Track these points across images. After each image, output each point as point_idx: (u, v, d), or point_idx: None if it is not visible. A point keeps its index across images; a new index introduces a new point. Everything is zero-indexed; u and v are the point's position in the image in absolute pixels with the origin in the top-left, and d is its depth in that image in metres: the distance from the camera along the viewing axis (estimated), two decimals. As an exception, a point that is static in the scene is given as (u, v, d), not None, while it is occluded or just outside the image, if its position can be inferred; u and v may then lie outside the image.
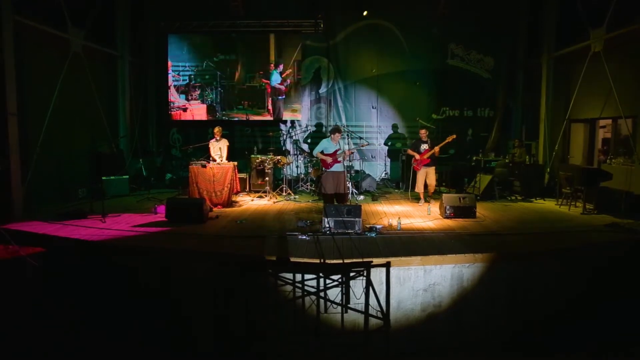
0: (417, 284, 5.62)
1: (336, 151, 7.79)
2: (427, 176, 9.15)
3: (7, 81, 7.46)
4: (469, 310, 5.70)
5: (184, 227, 7.04)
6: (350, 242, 6.19)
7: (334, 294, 5.57)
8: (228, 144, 9.55)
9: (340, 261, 5.43)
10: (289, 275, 5.58)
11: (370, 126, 13.14)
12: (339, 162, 7.81)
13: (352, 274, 5.51)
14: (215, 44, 12.97)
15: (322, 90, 13.17)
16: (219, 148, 9.37)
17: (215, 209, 8.54)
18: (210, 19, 12.56)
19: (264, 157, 10.50)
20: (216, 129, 9.50)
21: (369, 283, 5.48)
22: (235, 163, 9.24)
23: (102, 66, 11.23)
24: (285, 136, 13.07)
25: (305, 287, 5.57)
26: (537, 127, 11.99)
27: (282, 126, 13.22)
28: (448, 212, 7.82)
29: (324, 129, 12.98)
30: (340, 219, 6.66)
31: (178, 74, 12.98)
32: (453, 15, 12.14)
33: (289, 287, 5.58)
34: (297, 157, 11.92)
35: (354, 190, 10.27)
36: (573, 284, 5.88)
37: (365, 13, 12.30)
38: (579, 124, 10.94)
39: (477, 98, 13.02)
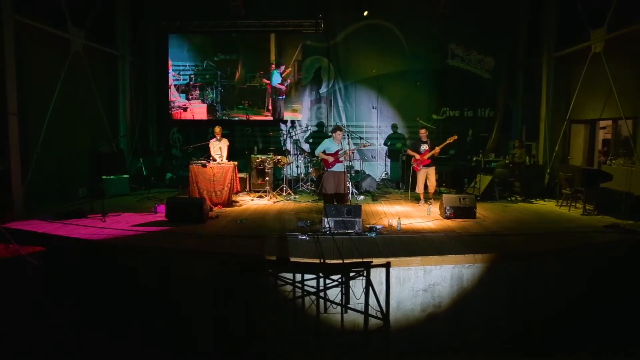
0: (417, 284, 5.61)
1: (338, 151, 7.81)
2: (427, 177, 9.14)
3: (8, 81, 7.46)
4: (469, 311, 5.69)
5: (184, 226, 7.04)
6: (350, 242, 6.19)
7: (334, 294, 5.57)
8: (228, 143, 9.56)
9: (340, 261, 5.43)
10: (289, 275, 5.57)
11: (370, 126, 13.14)
12: (341, 162, 7.82)
13: (352, 274, 5.51)
14: (216, 43, 12.97)
15: (323, 90, 13.17)
16: (219, 148, 9.38)
17: (215, 209, 8.54)
18: (211, 18, 12.56)
19: (264, 157, 10.50)
20: (217, 129, 9.50)
21: (368, 283, 5.48)
22: (236, 163, 9.24)
23: (102, 66, 11.23)
24: (285, 136, 13.07)
25: (305, 287, 5.57)
26: (538, 127, 11.98)
27: (283, 126, 13.22)
28: (448, 212, 7.82)
29: (325, 129, 12.98)
30: (341, 219, 6.66)
31: (178, 74, 12.99)
32: (453, 15, 12.13)
33: (289, 287, 5.58)
34: (297, 157, 11.92)
35: (354, 190, 10.27)
36: (573, 285, 5.88)
37: (365, 13, 12.30)
38: (579, 124, 10.94)
39: (477, 98, 13.02)
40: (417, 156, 9.15)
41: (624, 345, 5.65)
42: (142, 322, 5.75)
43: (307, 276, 5.57)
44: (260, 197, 10.13)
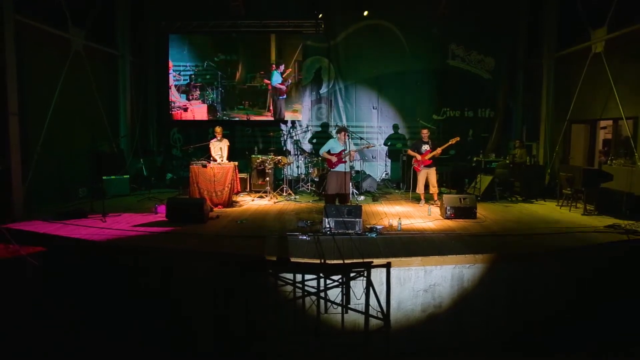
0: (418, 285, 5.61)
1: (342, 151, 7.83)
2: (428, 177, 9.13)
3: (8, 81, 7.46)
4: (469, 311, 5.69)
5: (184, 227, 7.04)
6: (350, 242, 6.19)
7: (334, 294, 5.57)
8: (229, 144, 9.55)
9: (341, 261, 5.43)
10: (289, 276, 5.57)
11: (370, 126, 13.14)
12: (344, 162, 7.85)
13: (352, 275, 5.50)
14: (216, 44, 12.97)
15: (323, 90, 13.17)
16: (219, 148, 9.38)
17: (215, 209, 8.54)
18: (211, 19, 12.56)
19: (264, 157, 10.50)
20: (217, 129, 9.50)
21: (369, 283, 5.47)
22: (236, 163, 9.23)
23: (102, 66, 11.23)
24: (285, 136, 13.07)
25: (306, 288, 5.57)
26: (538, 127, 11.99)
27: (283, 126, 13.21)
28: (448, 212, 7.81)
29: (329, 129, 12.97)
30: (341, 219, 6.66)
31: (179, 74, 12.99)
32: (453, 15, 12.14)
33: (289, 287, 5.58)
34: (298, 157, 11.92)
35: (355, 190, 10.27)
36: (573, 285, 5.87)
37: (365, 13, 12.30)
38: (579, 124, 10.93)
39: (477, 99, 13.01)
40: (418, 156, 9.14)
41: (624, 345, 5.65)
42: (142, 322, 5.74)
43: (307, 276, 5.56)
44: (261, 197, 10.13)
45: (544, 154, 11.56)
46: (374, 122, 13.16)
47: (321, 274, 5.55)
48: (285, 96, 12.95)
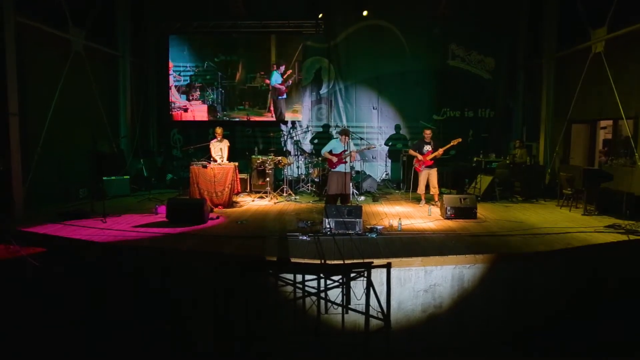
0: (418, 285, 5.61)
1: (343, 152, 7.86)
2: (429, 178, 9.12)
3: (9, 81, 7.48)
4: (469, 311, 5.69)
5: (184, 227, 7.04)
6: (350, 242, 6.19)
7: (335, 294, 5.56)
8: (229, 144, 9.56)
9: (341, 262, 5.43)
10: (290, 276, 5.57)
11: (371, 127, 13.14)
12: (344, 162, 7.87)
13: (352, 275, 5.50)
14: (216, 44, 12.98)
15: (323, 90, 13.16)
16: (220, 148, 9.38)
17: (216, 210, 8.54)
18: (211, 19, 12.57)
19: (264, 158, 10.50)
20: (217, 130, 9.50)
21: (369, 284, 5.47)
22: (236, 163, 9.23)
23: (103, 66, 11.24)
24: (286, 137, 13.07)
25: (306, 288, 5.56)
26: (538, 127, 11.98)
27: (283, 127, 13.22)
28: (449, 212, 7.81)
29: (330, 129, 12.97)
30: (341, 219, 6.66)
31: (179, 75, 13.00)
32: (453, 15, 12.14)
33: (289, 288, 5.57)
34: (298, 157, 11.93)
35: (355, 190, 10.27)
36: (573, 285, 5.87)
37: (365, 13, 12.29)
38: (579, 124, 10.93)
39: (477, 99, 13.01)
40: (420, 157, 9.13)
41: (624, 346, 5.64)
42: (142, 322, 5.74)
43: (307, 277, 5.56)
44: (261, 197, 10.13)
45: (544, 154, 11.56)
46: (374, 123, 13.16)
47: (321, 275, 5.54)
48: (285, 96, 12.95)
